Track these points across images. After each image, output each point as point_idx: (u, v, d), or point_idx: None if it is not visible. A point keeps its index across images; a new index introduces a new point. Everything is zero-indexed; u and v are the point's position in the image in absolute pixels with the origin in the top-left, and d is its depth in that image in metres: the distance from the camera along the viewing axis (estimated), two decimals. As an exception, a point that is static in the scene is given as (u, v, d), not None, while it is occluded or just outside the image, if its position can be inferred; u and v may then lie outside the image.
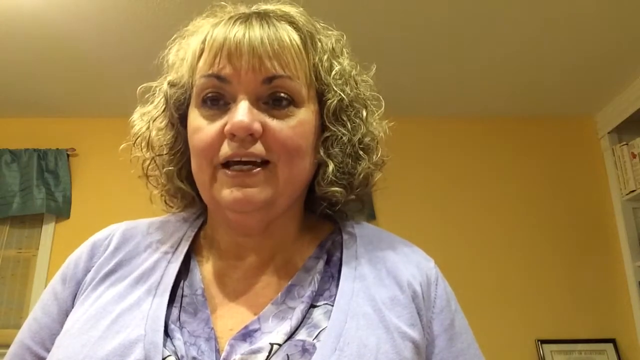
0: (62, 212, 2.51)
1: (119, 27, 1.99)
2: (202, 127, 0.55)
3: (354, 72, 0.63)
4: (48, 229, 2.51)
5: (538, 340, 2.28)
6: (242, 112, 0.52)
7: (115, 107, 2.49)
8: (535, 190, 2.55)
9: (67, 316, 0.57)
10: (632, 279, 2.32)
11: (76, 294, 0.58)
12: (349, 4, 1.85)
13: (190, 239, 0.62)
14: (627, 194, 2.38)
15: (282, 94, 0.55)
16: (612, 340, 2.28)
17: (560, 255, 2.43)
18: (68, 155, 2.59)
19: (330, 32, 0.63)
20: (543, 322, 2.32)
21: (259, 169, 0.53)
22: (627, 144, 2.40)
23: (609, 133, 2.54)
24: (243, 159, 0.53)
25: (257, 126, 0.52)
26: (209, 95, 0.55)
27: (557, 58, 2.18)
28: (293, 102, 0.55)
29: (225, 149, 0.53)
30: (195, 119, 0.56)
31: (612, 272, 2.40)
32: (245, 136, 0.52)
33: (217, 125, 0.54)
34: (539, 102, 2.56)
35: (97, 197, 2.52)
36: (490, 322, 2.20)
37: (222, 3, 0.62)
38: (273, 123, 0.54)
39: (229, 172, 0.53)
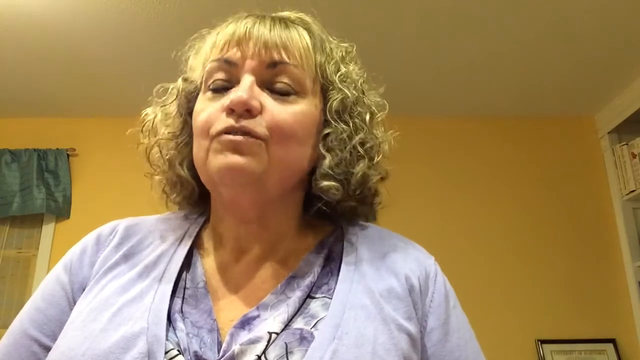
0: (62, 212, 2.51)
1: (119, 27, 1.99)
2: (205, 107, 0.57)
3: (360, 80, 0.64)
4: (48, 229, 2.51)
5: (538, 340, 2.28)
6: (243, 88, 0.54)
7: (116, 106, 2.50)
8: (535, 190, 2.55)
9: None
10: (632, 279, 2.32)
11: (84, 287, 0.58)
12: (349, 4, 1.85)
13: (194, 236, 0.62)
14: (627, 194, 2.38)
15: (286, 84, 0.56)
16: (612, 340, 2.28)
17: (560, 255, 2.43)
18: (68, 155, 2.59)
19: (342, 45, 0.65)
20: (543, 322, 2.32)
21: (252, 139, 0.53)
22: (627, 144, 2.40)
23: (609, 133, 2.54)
24: (240, 132, 0.53)
25: (255, 103, 0.53)
26: (216, 83, 0.57)
27: (557, 58, 2.18)
28: (296, 92, 0.56)
29: (222, 121, 0.54)
30: (201, 102, 0.58)
31: (612, 272, 2.40)
32: (243, 112, 0.53)
33: (219, 102, 0.56)
34: (539, 102, 2.56)
35: (97, 197, 2.52)
36: (490, 322, 2.20)
37: (242, 12, 0.63)
38: (273, 104, 0.55)
39: (222, 138, 0.53)
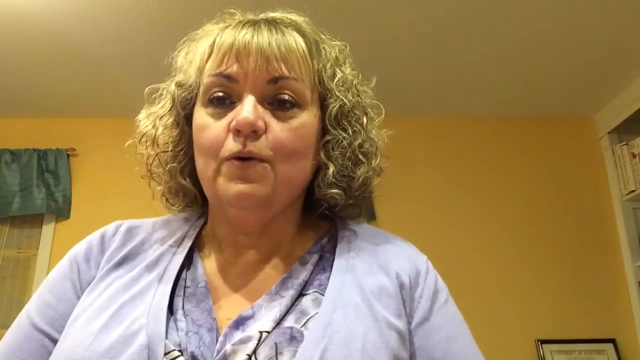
0: (62, 212, 2.51)
1: (119, 27, 1.99)
2: (208, 125, 0.57)
3: (355, 81, 0.64)
4: (48, 229, 2.51)
5: (538, 340, 2.28)
6: (248, 109, 0.54)
7: (115, 107, 2.50)
8: (535, 190, 2.55)
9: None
10: (632, 279, 2.32)
11: (90, 283, 0.59)
12: (349, 5, 1.85)
13: (193, 237, 0.63)
14: (627, 194, 2.38)
15: (287, 96, 0.56)
16: (612, 340, 2.28)
17: (561, 255, 2.43)
18: (68, 155, 2.59)
19: (334, 43, 0.66)
20: (543, 322, 2.32)
21: (257, 162, 0.55)
22: (627, 144, 2.40)
23: (609, 133, 2.54)
24: (246, 156, 0.54)
25: (260, 123, 0.54)
26: (216, 95, 0.57)
27: (557, 58, 2.18)
28: (297, 104, 0.57)
29: (230, 145, 0.55)
30: (202, 117, 0.58)
31: (612, 272, 2.40)
32: (250, 132, 0.54)
33: (223, 122, 0.56)
34: (539, 103, 2.56)
35: (97, 197, 2.52)
36: (490, 322, 2.21)
37: (232, 10, 0.64)
38: (275, 124, 0.56)
39: (234, 162, 0.54)
